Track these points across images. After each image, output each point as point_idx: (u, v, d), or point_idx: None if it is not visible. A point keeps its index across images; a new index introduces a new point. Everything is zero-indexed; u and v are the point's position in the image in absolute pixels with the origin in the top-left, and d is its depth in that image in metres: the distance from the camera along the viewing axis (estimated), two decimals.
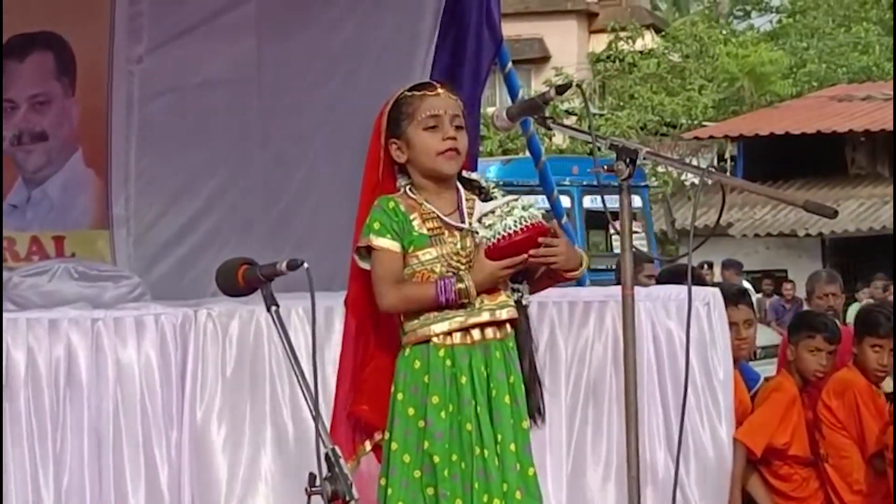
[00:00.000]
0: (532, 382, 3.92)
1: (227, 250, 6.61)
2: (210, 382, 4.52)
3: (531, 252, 3.79)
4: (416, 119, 3.87)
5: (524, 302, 3.92)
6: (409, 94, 3.92)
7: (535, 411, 3.93)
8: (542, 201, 7.52)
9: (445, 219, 3.86)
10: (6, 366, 4.21)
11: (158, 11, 6.83)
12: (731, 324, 6.18)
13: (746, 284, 14.88)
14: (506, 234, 3.73)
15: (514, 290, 3.90)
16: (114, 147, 6.91)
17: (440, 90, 3.92)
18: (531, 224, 3.75)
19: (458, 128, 3.88)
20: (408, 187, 3.91)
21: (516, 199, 3.80)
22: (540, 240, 3.78)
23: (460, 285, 3.75)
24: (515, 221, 3.74)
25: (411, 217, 3.85)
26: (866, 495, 6.06)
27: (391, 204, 3.85)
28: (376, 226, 3.82)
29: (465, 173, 3.98)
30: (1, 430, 4.16)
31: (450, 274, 3.80)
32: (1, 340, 4.20)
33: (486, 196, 3.95)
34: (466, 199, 3.92)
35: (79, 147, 6.94)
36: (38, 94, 6.80)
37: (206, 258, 6.76)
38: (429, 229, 3.84)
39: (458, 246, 3.84)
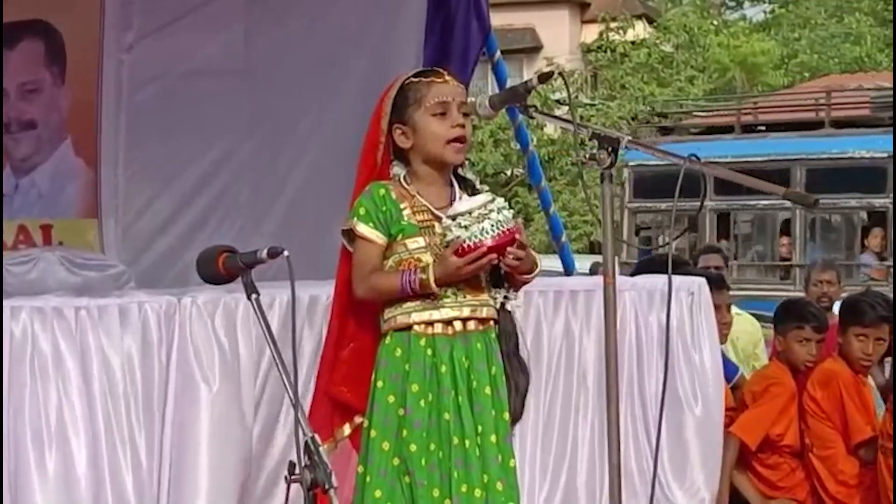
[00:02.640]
0: (511, 384, 3.92)
1: (215, 238, 6.62)
2: (194, 371, 4.52)
3: (499, 260, 3.79)
4: (425, 105, 3.87)
5: (508, 307, 3.93)
6: (416, 80, 3.92)
7: (511, 414, 3.93)
8: None
9: (436, 211, 3.86)
10: None
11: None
12: (714, 307, 6.21)
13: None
14: (479, 241, 3.72)
15: (498, 294, 3.90)
16: (103, 136, 6.91)
17: (447, 77, 3.92)
18: (505, 230, 3.75)
19: (464, 115, 3.90)
20: (403, 177, 3.91)
21: (492, 201, 3.79)
22: (508, 249, 3.78)
23: (422, 275, 3.76)
24: (492, 225, 3.73)
25: (402, 206, 3.85)
26: (851, 486, 6.08)
27: (381, 191, 3.85)
28: (362, 211, 3.84)
29: (460, 171, 3.99)
30: (1, 422, 4.16)
31: (414, 267, 3.80)
32: (1, 330, 4.20)
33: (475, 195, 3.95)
34: (460, 197, 3.92)
35: (68, 136, 6.94)
36: (27, 82, 6.79)
37: (195, 246, 6.70)
38: (419, 220, 3.85)
39: (447, 238, 3.84)
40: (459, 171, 3.99)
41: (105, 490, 4.38)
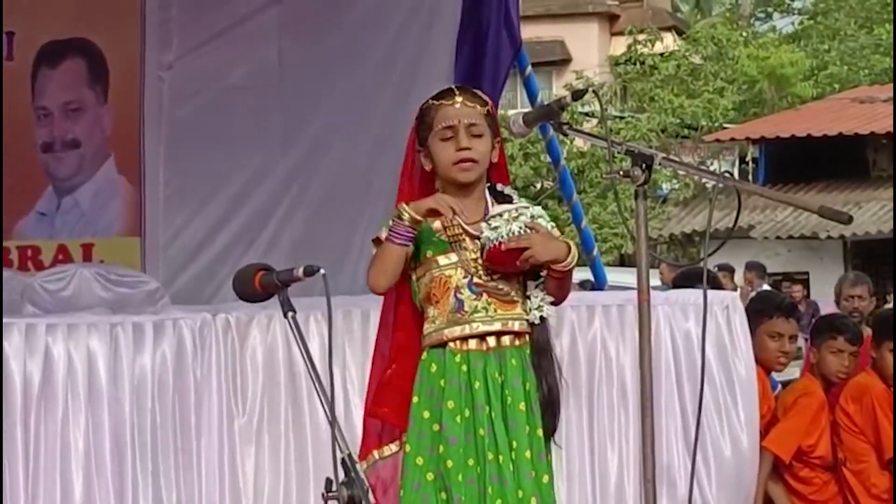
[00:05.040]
0: (548, 406, 3.94)
1: (251, 254, 6.68)
2: (229, 387, 4.55)
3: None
4: (434, 129, 3.93)
5: (535, 320, 3.94)
6: (430, 103, 3.98)
7: (549, 435, 3.96)
8: None
9: (466, 227, 3.90)
10: (24, 371, 4.24)
11: (186, 18, 6.88)
12: (778, 335, 6.17)
13: (766, 287, 14.79)
14: (508, 239, 3.80)
15: (531, 303, 3.93)
16: (146, 153, 6.94)
17: (457, 98, 3.95)
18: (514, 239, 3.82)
19: (475, 136, 3.92)
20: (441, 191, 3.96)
21: (526, 207, 3.89)
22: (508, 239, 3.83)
23: (398, 218, 3.79)
24: (521, 228, 3.81)
25: (433, 223, 3.89)
26: (884, 500, 6.06)
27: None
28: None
29: (499, 187, 4.03)
30: (1, 433, 4.19)
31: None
32: (1, 345, 4.23)
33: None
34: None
35: (111, 154, 6.95)
36: (70, 101, 6.81)
37: (232, 262, 6.76)
38: (449, 236, 3.90)
39: (477, 254, 3.89)
40: (499, 187, 4.03)
41: None
